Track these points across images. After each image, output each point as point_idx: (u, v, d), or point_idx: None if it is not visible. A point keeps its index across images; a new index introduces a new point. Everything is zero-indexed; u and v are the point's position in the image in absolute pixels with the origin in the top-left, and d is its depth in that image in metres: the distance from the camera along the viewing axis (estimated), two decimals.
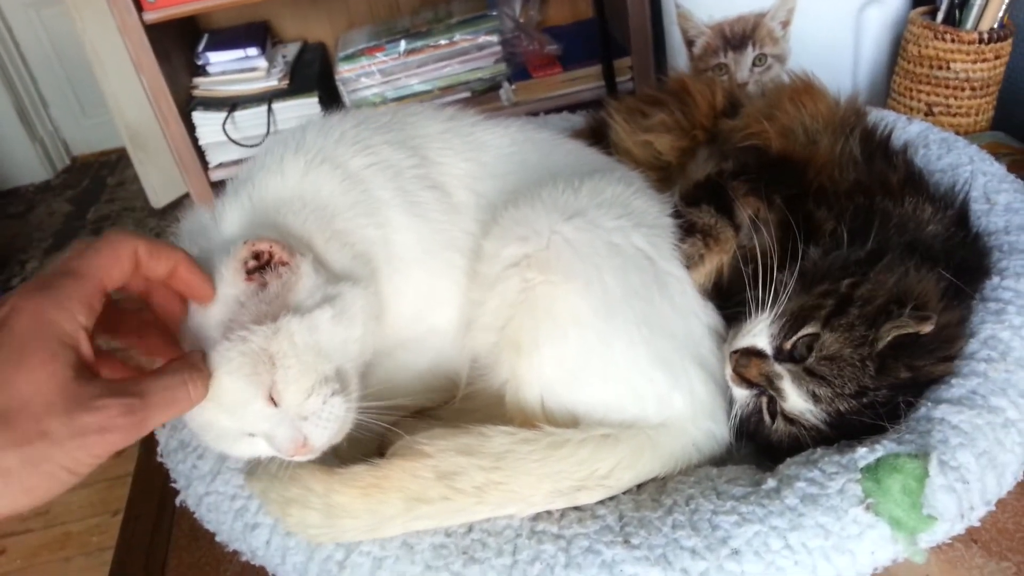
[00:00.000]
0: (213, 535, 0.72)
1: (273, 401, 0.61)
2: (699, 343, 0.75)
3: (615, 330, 0.69)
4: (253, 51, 2.14)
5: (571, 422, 0.69)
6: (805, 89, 0.92)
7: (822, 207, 0.78)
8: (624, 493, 0.69)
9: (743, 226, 0.78)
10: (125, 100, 2.87)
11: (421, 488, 0.64)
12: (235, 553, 0.71)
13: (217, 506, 0.70)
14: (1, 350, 0.47)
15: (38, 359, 0.48)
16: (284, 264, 0.62)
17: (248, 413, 0.61)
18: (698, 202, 0.79)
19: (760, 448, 0.75)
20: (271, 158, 0.72)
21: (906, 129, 1.02)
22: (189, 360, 0.58)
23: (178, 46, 2.11)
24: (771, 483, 0.66)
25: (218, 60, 2.14)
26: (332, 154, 0.71)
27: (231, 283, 0.61)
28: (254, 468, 0.69)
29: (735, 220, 0.78)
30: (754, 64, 1.30)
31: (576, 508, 0.67)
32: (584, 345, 0.69)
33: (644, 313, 0.71)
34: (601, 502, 0.67)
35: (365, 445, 0.71)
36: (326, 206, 0.68)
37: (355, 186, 0.70)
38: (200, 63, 2.13)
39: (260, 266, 0.62)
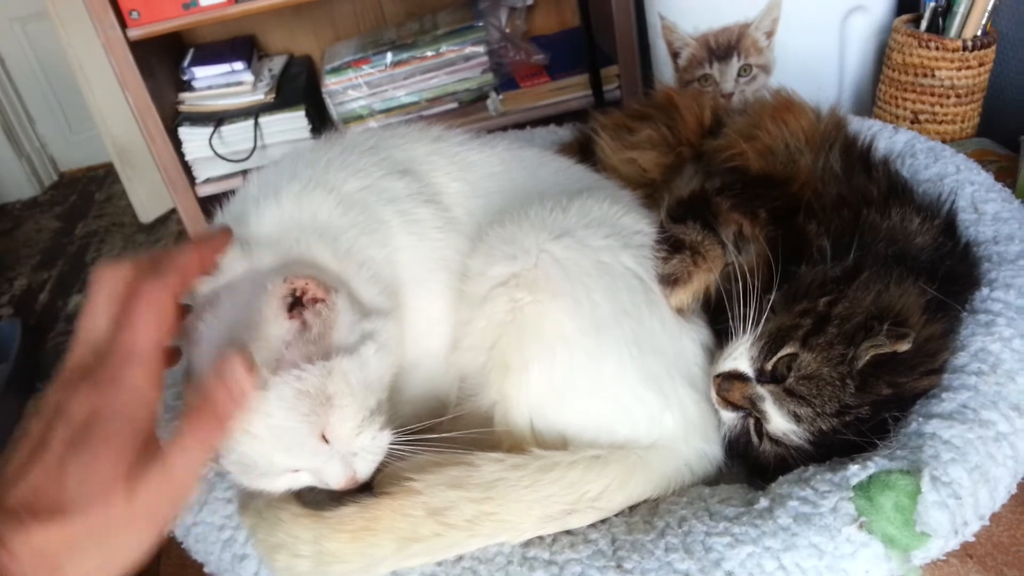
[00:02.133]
0: (202, 566, 0.71)
1: (324, 438, 0.62)
2: (690, 362, 0.75)
3: (604, 349, 0.69)
4: (239, 65, 2.13)
5: (561, 444, 0.69)
6: (786, 106, 0.92)
7: (811, 221, 0.77)
8: (616, 516, 0.68)
9: (728, 243, 0.78)
10: (111, 115, 2.85)
11: (412, 527, 0.63)
12: None
13: (205, 536, 0.69)
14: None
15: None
16: (320, 301, 0.61)
17: (301, 451, 0.61)
18: (684, 219, 0.79)
19: (751, 468, 0.75)
20: (262, 190, 0.72)
21: (893, 139, 1.02)
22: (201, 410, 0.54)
23: (163, 61, 2.10)
24: (763, 503, 0.65)
25: (204, 75, 2.14)
26: (323, 179, 0.71)
27: (272, 320, 0.60)
28: (246, 501, 0.68)
29: (722, 237, 0.78)
30: (739, 74, 1.30)
31: (568, 532, 0.66)
32: (572, 364, 0.69)
33: (633, 332, 0.71)
34: (593, 525, 0.67)
35: None
36: (326, 229, 0.68)
37: (352, 208, 0.70)
38: (186, 78, 2.12)
39: (296, 301, 0.61)
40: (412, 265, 0.72)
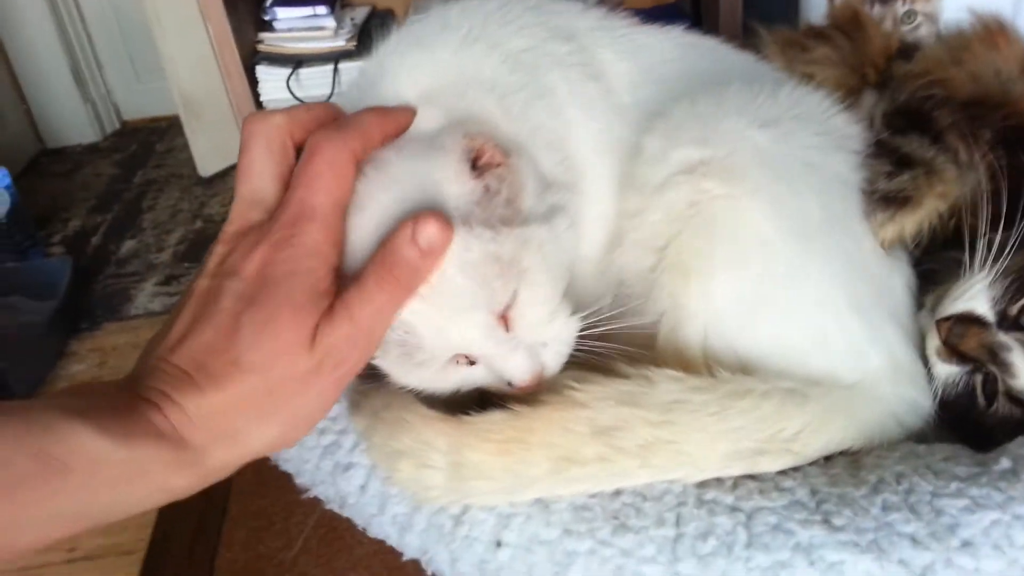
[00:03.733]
0: (285, 480, 0.59)
1: (505, 321, 0.51)
2: (897, 298, 0.61)
3: (809, 261, 0.56)
4: (322, 9, 2.05)
5: (739, 371, 0.56)
6: (999, 30, 0.79)
7: None
8: (810, 465, 0.55)
9: (963, 165, 0.64)
10: (182, 64, 2.78)
11: (574, 445, 0.51)
12: (310, 502, 0.58)
13: (302, 441, 0.57)
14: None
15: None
16: (499, 165, 0.51)
17: (471, 328, 0.50)
18: (906, 131, 0.65)
19: (964, 435, 0.61)
20: (405, 44, 0.61)
21: None
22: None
23: None
24: (1005, 463, 0.52)
25: (286, 16, 2.06)
26: (484, 33, 0.59)
27: (455, 180, 0.50)
28: (358, 400, 0.57)
29: (956, 157, 0.64)
30: (902, 21, 1.16)
31: (752, 477, 0.53)
32: (769, 275, 0.56)
33: (844, 248, 0.58)
34: (784, 473, 0.54)
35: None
36: (494, 86, 0.56)
37: (519, 67, 0.58)
38: (267, 18, 2.05)
39: (472, 165, 0.51)
40: (579, 144, 0.59)
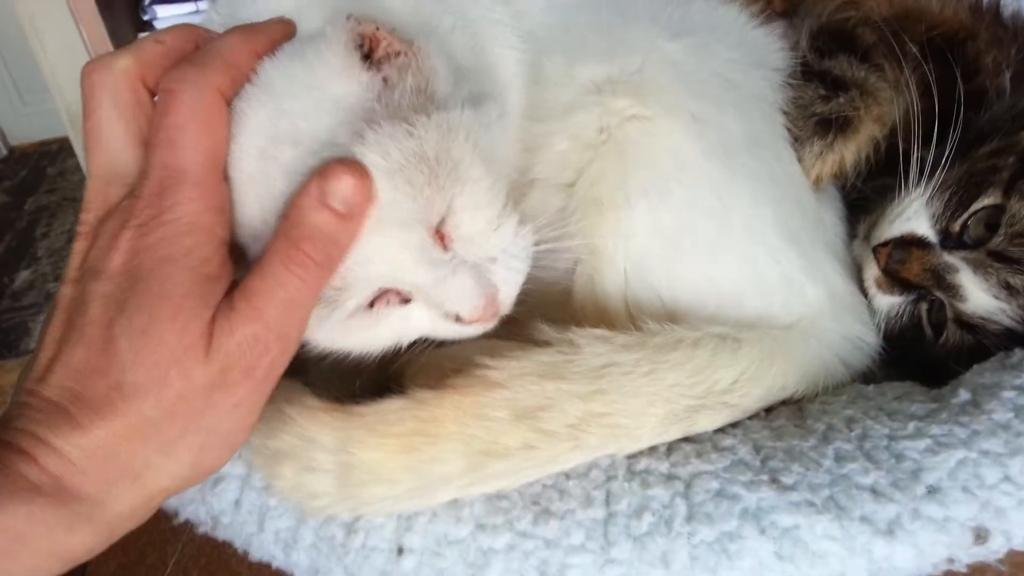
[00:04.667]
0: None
1: (441, 238, 0.42)
2: (829, 228, 0.56)
3: (736, 186, 0.49)
4: (205, 5, 1.92)
5: (665, 320, 0.49)
6: None
7: (989, 53, 0.59)
8: (750, 419, 0.49)
9: (893, 84, 0.59)
10: (66, 80, 2.60)
11: (493, 435, 0.43)
12: (185, 528, 0.49)
13: None
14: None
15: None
16: (400, 55, 0.41)
17: (400, 250, 0.40)
18: (832, 52, 0.60)
19: (911, 372, 0.55)
20: None
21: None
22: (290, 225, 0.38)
23: None
24: (964, 395, 0.46)
25: (166, 15, 1.92)
26: None
27: (342, 75, 0.40)
28: None
29: (887, 75, 0.59)
30: None
31: (687, 439, 0.47)
32: (693, 203, 0.49)
33: (772, 171, 0.51)
34: (722, 430, 0.47)
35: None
36: None
37: None
38: (146, 17, 1.91)
39: (367, 55, 0.41)
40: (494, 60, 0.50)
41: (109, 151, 0.39)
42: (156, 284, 0.36)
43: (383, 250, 0.40)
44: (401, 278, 0.42)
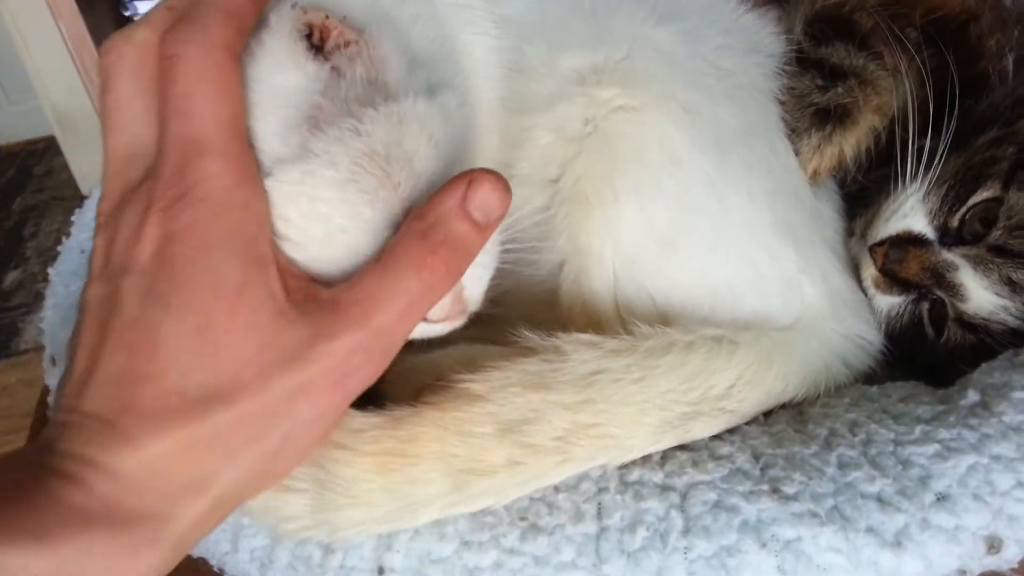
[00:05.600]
0: None
1: None
2: (828, 224, 0.53)
3: (730, 180, 0.47)
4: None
5: (656, 322, 0.46)
6: None
7: (992, 36, 0.57)
8: (748, 424, 0.46)
9: (892, 71, 0.56)
10: (51, 79, 2.58)
11: (476, 452, 0.40)
12: None
13: None
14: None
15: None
16: (350, 45, 0.38)
17: (364, 254, 0.38)
18: (829, 39, 0.57)
19: (914, 373, 0.53)
20: None
21: None
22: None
23: None
24: (973, 396, 0.44)
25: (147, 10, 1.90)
26: None
27: (289, 66, 0.37)
28: None
29: (884, 63, 0.56)
30: None
31: (682, 447, 0.44)
32: (685, 198, 0.46)
33: (768, 164, 0.49)
34: (719, 437, 0.45)
35: None
36: None
37: None
38: (127, 13, 1.89)
39: (315, 47, 0.38)
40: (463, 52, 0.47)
41: (128, 130, 0.35)
42: (201, 276, 0.32)
43: (351, 265, 0.37)
44: None
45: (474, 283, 0.42)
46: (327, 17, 0.37)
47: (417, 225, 0.35)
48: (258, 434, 0.33)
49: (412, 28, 0.43)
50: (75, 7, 1.69)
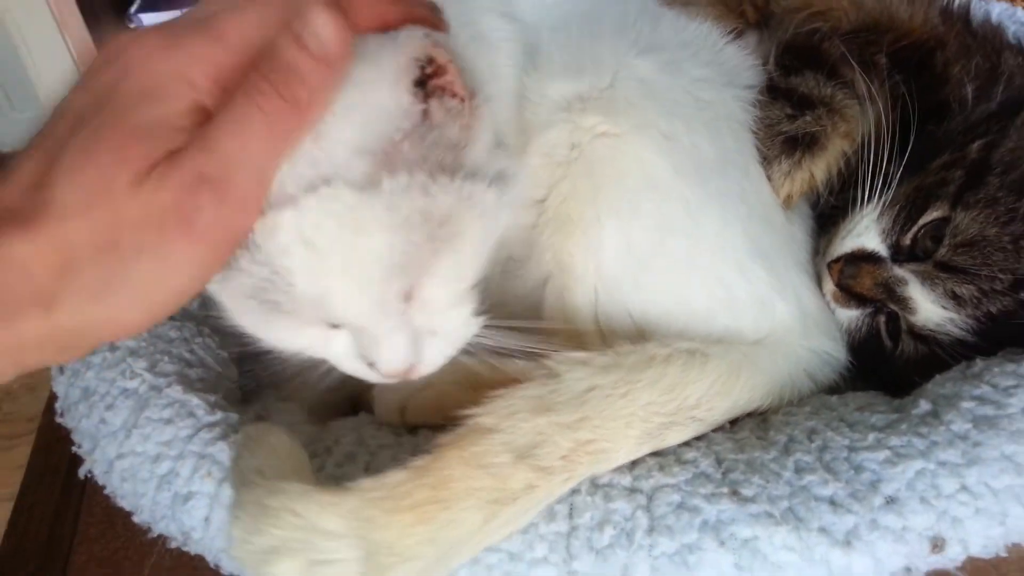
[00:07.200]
0: (130, 515, 0.51)
1: (405, 294, 0.41)
2: (799, 245, 0.56)
3: (706, 204, 0.50)
4: None
5: (634, 336, 0.49)
6: None
7: (956, 63, 0.60)
8: (714, 431, 0.49)
9: (862, 98, 0.59)
10: (56, 88, 2.62)
11: (499, 481, 0.41)
12: (161, 539, 0.49)
13: (134, 472, 0.49)
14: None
15: None
16: (456, 98, 0.39)
17: (378, 296, 0.39)
18: (798, 69, 0.60)
19: (879, 381, 0.56)
20: None
21: (985, 10, 0.85)
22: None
23: (108, 5, 1.89)
24: (924, 406, 0.47)
25: (153, 22, 1.93)
26: None
27: (389, 86, 0.38)
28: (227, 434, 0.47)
29: (855, 90, 0.59)
30: None
31: (651, 453, 0.47)
32: (663, 221, 0.49)
33: (743, 189, 0.52)
34: (686, 444, 0.48)
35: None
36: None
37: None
38: (132, 26, 1.91)
39: (423, 80, 0.39)
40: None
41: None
42: (121, 109, 0.33)
43: (353, 296, 0.39)
44: (351, 319, 0.41)
45: (429, 365, 0.44)
46: (451, 61, 0.39)
47: (258, 61, 0.35)
48: (109, 269, 0.33)
49: (500, 107, 0.45)
50: (80, 19, 1.72)
